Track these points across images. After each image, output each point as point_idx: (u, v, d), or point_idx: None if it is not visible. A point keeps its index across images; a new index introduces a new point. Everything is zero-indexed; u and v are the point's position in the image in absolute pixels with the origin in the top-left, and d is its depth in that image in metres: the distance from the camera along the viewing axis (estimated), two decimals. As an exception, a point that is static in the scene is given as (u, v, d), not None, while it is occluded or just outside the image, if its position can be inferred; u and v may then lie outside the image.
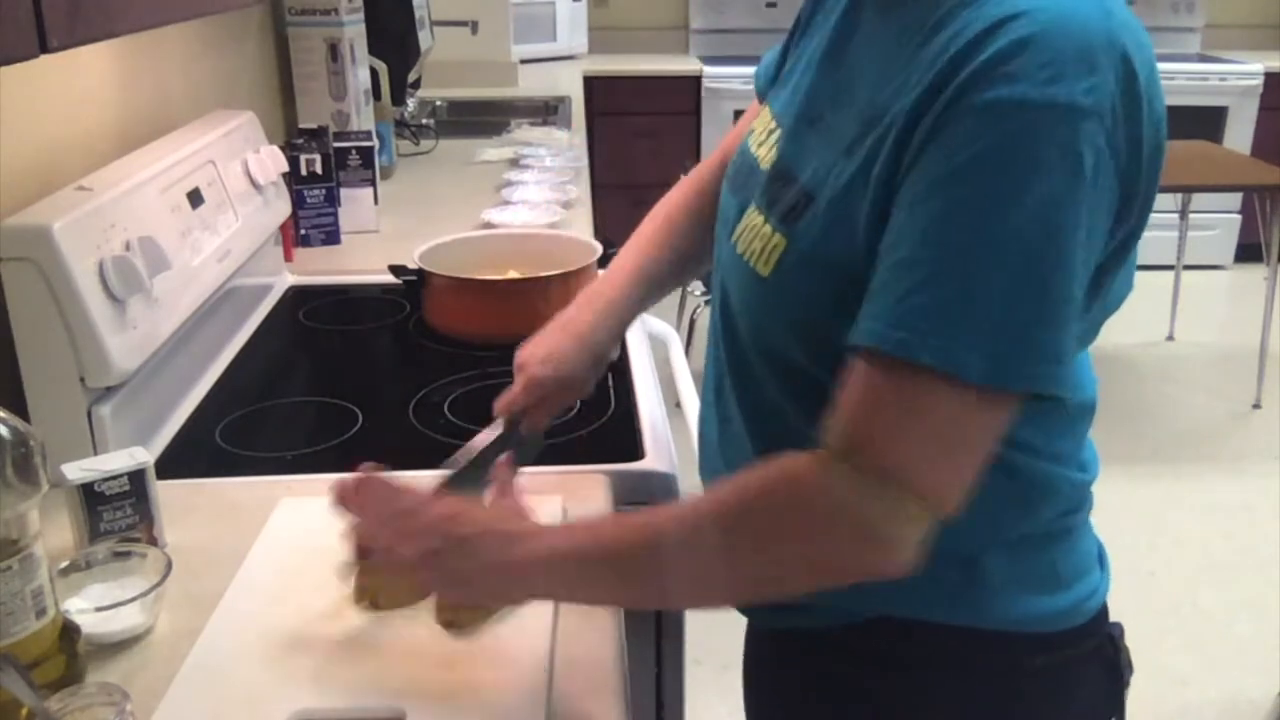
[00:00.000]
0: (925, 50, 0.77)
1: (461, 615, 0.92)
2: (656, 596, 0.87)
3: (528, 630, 0.92)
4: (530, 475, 1.15)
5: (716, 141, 4.35)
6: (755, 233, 0.89)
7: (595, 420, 1.34)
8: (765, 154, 0.94)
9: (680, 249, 1.17)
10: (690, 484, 1.21)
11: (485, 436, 1.08)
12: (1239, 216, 5.02)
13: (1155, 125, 0.76)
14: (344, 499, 0.86)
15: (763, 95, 1.11)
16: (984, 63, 0.71)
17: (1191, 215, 4.40)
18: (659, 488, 1.21)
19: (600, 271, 1.67)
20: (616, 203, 4.27)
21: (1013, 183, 0.70)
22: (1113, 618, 0.96)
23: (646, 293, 1.16)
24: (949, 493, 0.75)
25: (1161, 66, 0.78)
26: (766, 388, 0.91)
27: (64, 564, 0.95)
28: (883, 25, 0.86)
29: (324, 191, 2.03)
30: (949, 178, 0.72)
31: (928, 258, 0.72)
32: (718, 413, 1.00)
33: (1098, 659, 0.94)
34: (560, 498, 1.11)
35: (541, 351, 1.10)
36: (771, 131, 0.95)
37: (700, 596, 0.84)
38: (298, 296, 1.82)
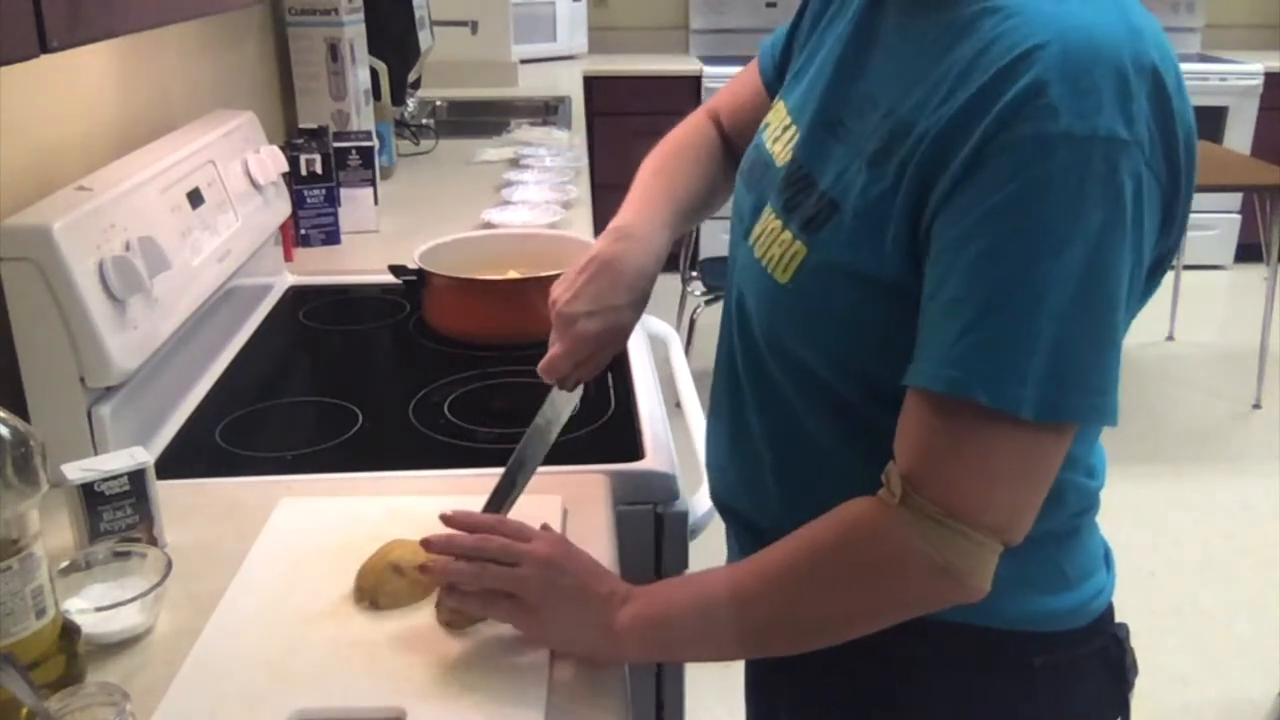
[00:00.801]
0: (948, 60, 0.76)
1: (460, 614, 0.92)
2: (742, 650, 0.89)
3: (528, 630, 0.92)
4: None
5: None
6: (774, 238, 0.88)
7: (595, 420, 1.34)
8: (781, 151, 0.93)
9: (684, 195, 1.10)
10: (690, 483, 1.21)
11: (543, 408, 1.01)
12: (1239, 216, 5.02)
13: (1187, 135, 0.77)
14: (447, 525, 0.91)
15: (766, 73, 1.11)
16: (1021, 93, 0.71)
17: (1192, 215, 4.38)
18: (659, 488, 1.21)
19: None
20: (616, 203, 4.26)
21: (1060, 219, 0.71)
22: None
23: (675, 220, 1.06)
24: (1014, 521, 0.77)
25: (1183, 77, 0.78)
26: (782, 390, 0.91)
27: (64, 564, 0.95)
28: (904, 30, 0.85)
29: (324, 191, 2.03)
30: (995, 213, 0.72)
31: (977, 296, 0.73)
32: (731, 412, 1.00)
33: (1103, 659, 0.94)
34: (560, 498, 1.10)
35: (585, 303, 0.98)
36: (787, 128, 0.94)
37: (784, 646, 0.87)
38: (298, 296, 1.82)
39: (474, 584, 0.88)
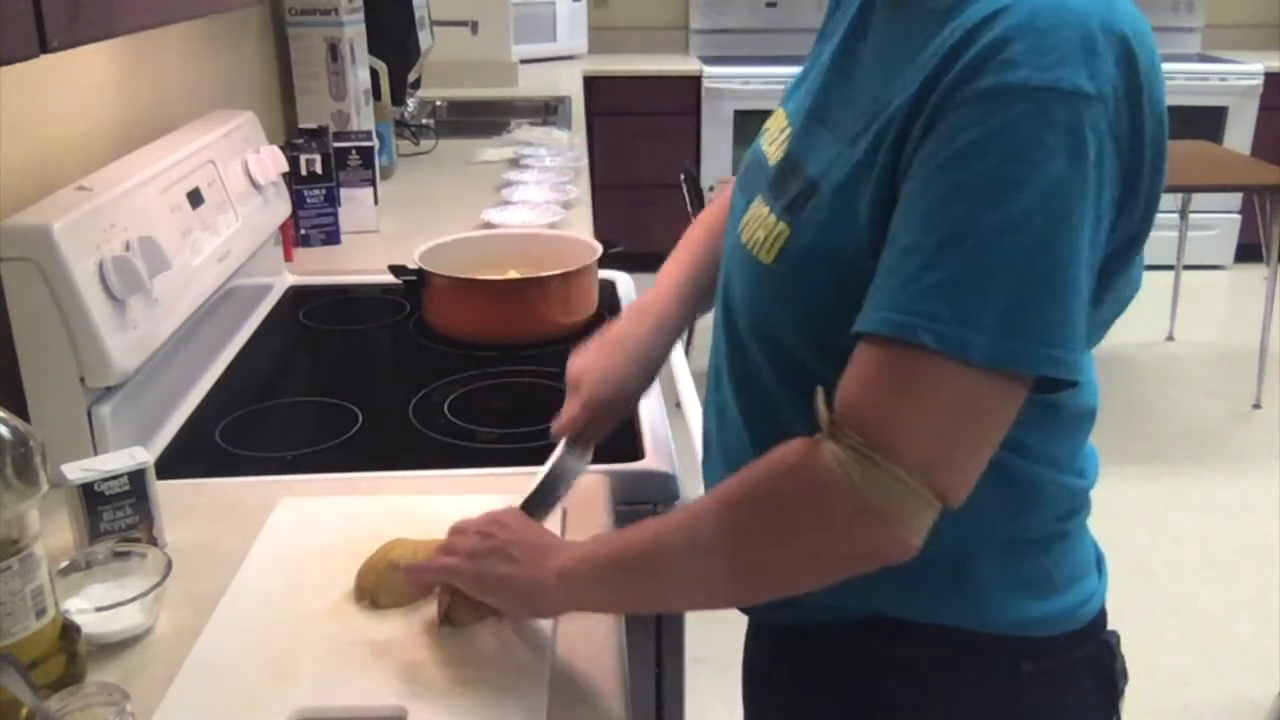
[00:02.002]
0: (929, 47, 0.77)
1: (459, 613, 0.92)
2: (673, 598, 0.89)
3: (528, 630, 0.92)
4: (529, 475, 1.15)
5: (716, 141, 4.36)
6: (760, 222, 0.89)
7: (595, 420, 1.33)
8: (774, 151, 0.94)
9: (710, 276, 1.13)
10: (691, 483, 1.21)
11: (552, 461, 1.05)
12: (1239, 216, 5.01)
13: (1157, 115, 0.76)
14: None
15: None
16: (983, 49, 0.71)
17: (1191, 215, 4.40)
18: (659, 488, 1.21)
19: (600, 273, 1.68)
20: (616, 203, 4.27)
21: (1017, 166, 0.70)
22: (1113, 617, 0.96)
23: (694, 303, 1.14)
24: (943, 466, 0.74)
25: (1161, 66, 0.77)
26: (763, 379, 0.91)
27: (64, 564, 0.95)
28: (891, 24, 0.86)
29: (324, 191, 2.03)
30: (951, 162, 0.72)
31: (931, 242, 0.72)
32: (716, 404, 1.01)
33: (1092, 665, 0.93)
34: (560, 498, 1.10)
35: (599, 370, 1.07)
36: (784, 130, 0.95)
37: (713, 593, 0.84)
38: (298, 296, 1.82)
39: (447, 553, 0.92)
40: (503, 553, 0.88)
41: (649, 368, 1.10)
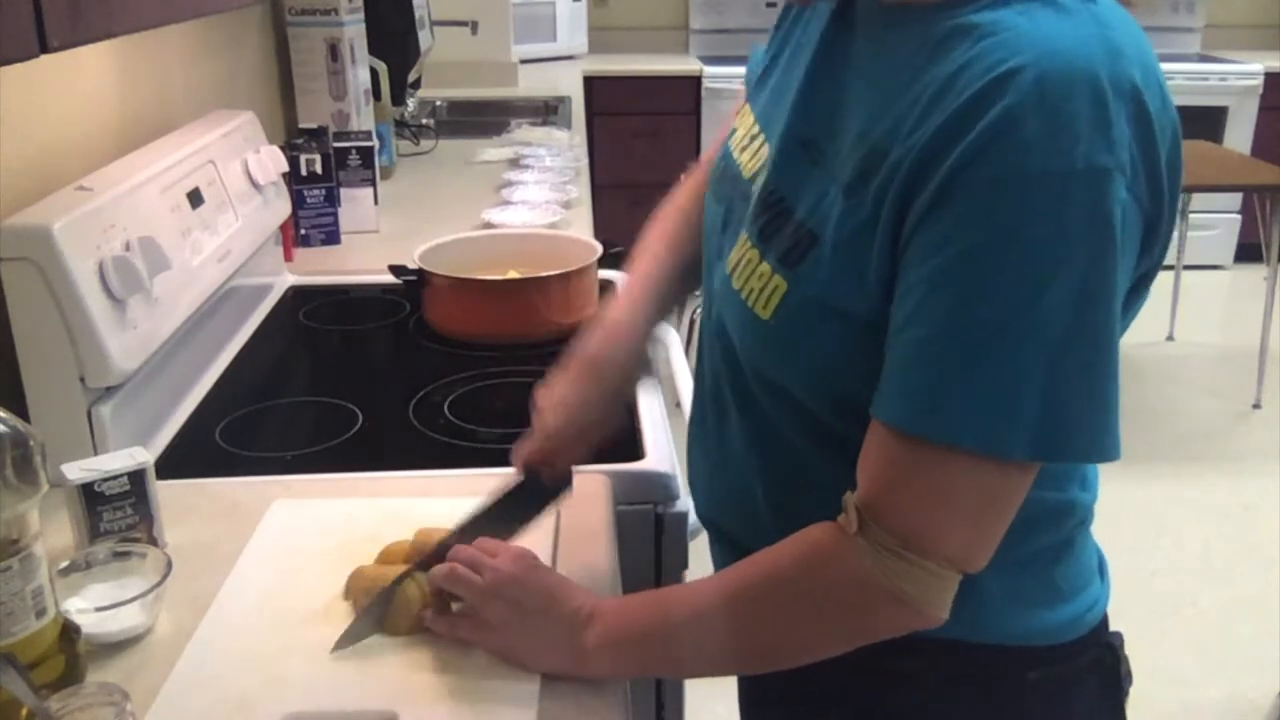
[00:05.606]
0: (921, 81, 0.74)
1: (395, 624, 0.91)
2: (705, 670, 0.89)
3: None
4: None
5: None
6: (752, 270, 0.86)
7: (595, 420, 1.33)
8: (748, 162, 0.91)
9: (686, 262, 1.10)
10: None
11: (505, 487, 1.02)
12: (1239, 216, 5.02)
13: (1171, 152, 0.74)
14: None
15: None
16: (993, 126, 0.68)
17: (1191, 215, 4.40)
18: (659, 488, 1.21)
19: (600, 273, 1.68)
20: (616, 203, 4.27)
21: (1042, 258, 0.68)
22: (1113, 617, 0.96)
23: (659, 312, 1.09)
24: (972, 553, 0.76)
25: (1161, 67, 0.76)
26: (768, 415, 0.90)
27: (64, 564, 0.95)
28: (874, 46, 0.82)
29: (324, 191, 2.03)
30: (973, 254, 0.69)
31: (958, 338, 0.71)
32: (716, 430, 0.99)
33: (1097, 669, 0.93)
34: (560, 498, 1.10)
35: (559, 399, 1.02)
36: (754, 137, 0.92)
37: (741, 666, 0.88)
38: (298, 296, 1.82)
39: (443, 582, 0.90)
40: (533, 624, 0.88)
41: (613, 393, 1.04)
